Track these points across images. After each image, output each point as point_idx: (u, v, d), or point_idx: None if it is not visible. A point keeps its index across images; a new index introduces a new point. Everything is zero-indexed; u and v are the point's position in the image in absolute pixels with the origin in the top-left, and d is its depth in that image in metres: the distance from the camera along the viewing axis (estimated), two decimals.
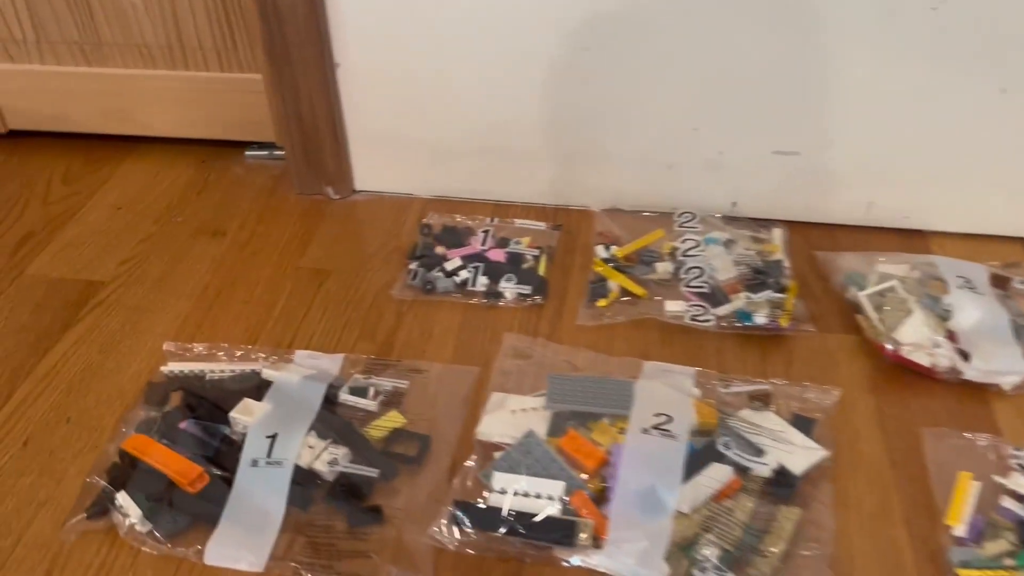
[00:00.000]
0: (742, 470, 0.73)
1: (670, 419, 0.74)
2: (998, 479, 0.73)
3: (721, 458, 0.73)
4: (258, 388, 0.81)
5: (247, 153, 1.20)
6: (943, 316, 0.86)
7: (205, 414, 0.78)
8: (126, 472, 0.74)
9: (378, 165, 1.10)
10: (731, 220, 1.04)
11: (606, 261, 0.97)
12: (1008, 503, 0.70)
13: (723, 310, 0.90)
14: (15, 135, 1.24)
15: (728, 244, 0.98)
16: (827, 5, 0.88)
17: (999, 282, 0.91)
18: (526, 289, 0.95)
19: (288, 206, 1.11)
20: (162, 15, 1.09)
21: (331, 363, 0.86)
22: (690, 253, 0.96)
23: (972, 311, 0.85)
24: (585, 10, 0.93)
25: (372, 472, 0.74)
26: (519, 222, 1.05)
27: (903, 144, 0.97)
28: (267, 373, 0.83)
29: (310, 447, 0.75)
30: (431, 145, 1.07)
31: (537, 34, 0.95)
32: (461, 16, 0.95)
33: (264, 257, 1.02)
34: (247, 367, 0.84)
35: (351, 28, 0.99)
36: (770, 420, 0.77)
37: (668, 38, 0.93)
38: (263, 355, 0.87)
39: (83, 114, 1.20)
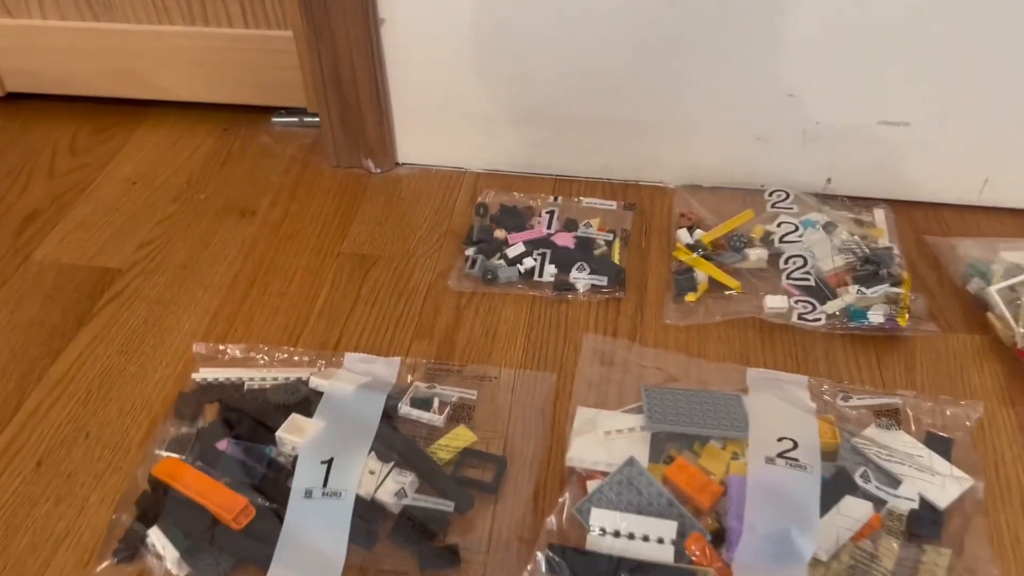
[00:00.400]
0: (878, 504, 0.62)
1: (795, 444, 0.63)
2: None
3: (854, 490, 0.62)
4: (306, 400, 0.70)
5: (274, 120, 1.08)
6: None
7: (247, 432, 0.67)
8: (158, 503, 0.63)
9: (424, 135, 0.98)
10: (826, 199, 0.92)
11: (690, 248, 0.86)
12: None
13: (833, 307, 0.78)
14: (15, 98, 1.11)
15: (828, 228, 0.86)
16: None
17: None
18: (601, 280, 0.83)
19: (323, 181, 0.99)
20: None
21: (387, 368, 0.75)
22: (788, 239, 0.84)
23: None
24: None
25: (446, 505, 0.63)
26: (586, 201, 0.94)
27: None
28: (315, 382, 0.72)
29: (371, 472, 0.65)
30: (485, 112, 0.95)
31: None
32: None
33: (301, 241, 0.91)
34: (291, 373, 0.73)
35: None
36: (903, 441, 0.67)
37: None
38: (308, 359, 0.76)
39: (90, 75, 1.07)
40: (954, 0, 0.79)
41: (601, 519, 0.60)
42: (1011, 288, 0.78)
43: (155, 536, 0.61)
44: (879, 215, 0.90)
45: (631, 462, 0.63)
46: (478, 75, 0.92)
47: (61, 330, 0.81)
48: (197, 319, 0.81)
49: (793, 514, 0.59)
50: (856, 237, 0.85)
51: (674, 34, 0.85)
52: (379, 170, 0.99)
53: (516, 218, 0.90)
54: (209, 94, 1.07)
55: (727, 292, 0.82)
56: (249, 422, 0.68)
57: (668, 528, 0.59)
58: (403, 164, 1.01)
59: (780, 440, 0.63)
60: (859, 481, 0.62)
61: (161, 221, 0.94)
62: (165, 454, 0.67)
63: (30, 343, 0.79)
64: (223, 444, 0.67)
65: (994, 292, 0.78)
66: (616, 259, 0.86)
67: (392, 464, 0.66)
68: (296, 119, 1.07)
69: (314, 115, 1.04)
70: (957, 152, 0.89)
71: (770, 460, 0.62)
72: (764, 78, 0.87)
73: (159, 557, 0.61)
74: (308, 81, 0.99)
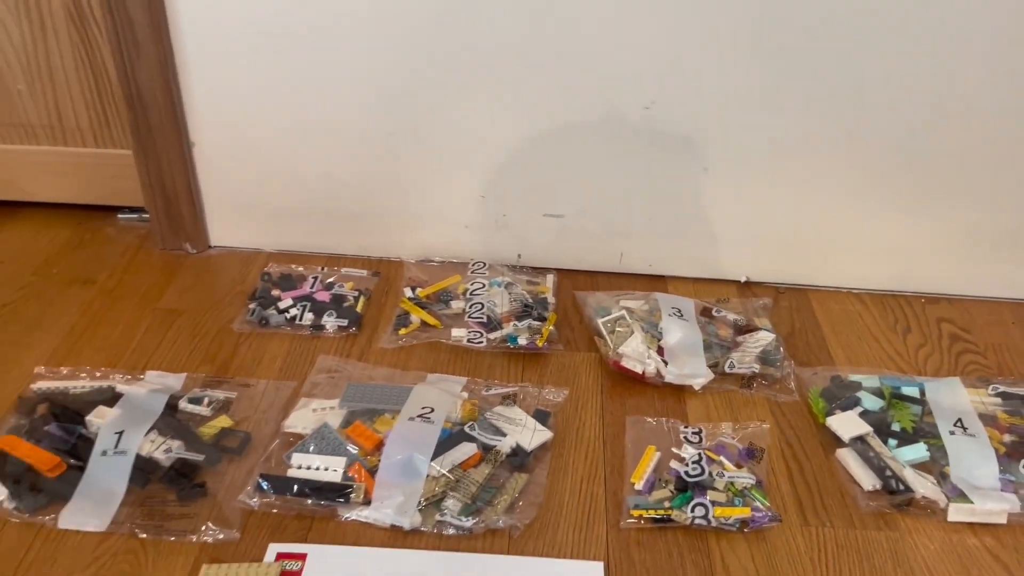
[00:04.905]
0: (488, 448, 0.97)
1: (432, 410, 0.98)
2: (674, 450, 0.99)
3: (470, 439, 0.97)
4: (112, 399, 1.01)
5: (119, 216, 1.41)
6: (657, 336, 1.13)
7: (66, 419, 0.97)
8: None
9: (230, 225, 1.33)
10: (517, 269, 1.30)
11: (411, 300, 1.22)
12: (675, 464, 0.97)
13: (495, 335, 1.15)
14: None
15: (508, 286, 1.24)
16: (571, 111, 1.17)
17: (705, 312, 1.20)
18: (344, 322, 1.18)
19: (152, 260, 1.32)
20: (45, 99, 1.30)
21: (175, 380, 1.07)
22: (476, 293, 1.22)
23: (676, 332, 1.13)
24: (388, 104, 1.19)
25: (199, 457, 0.95)
26: (345, 270, 1.29)
27: (642, 209, 1.26)
28: (120, 387, 1.03)
29: (151, 441, 0.96)
30: (274, 208, 1.30)
31: (354, 121, 1.21)
32: (295, 106, 1.20)
33: (127, 301, 1.22)
34: (104, 383, 1.04)
35: (204, 114, 1.22)
36: (515, 412, 1.02)
37: (451, 128, 1.20)
38: (119, 375, 1.07)
39: None
40: (576, 137, 1.20)
41: (298, 460, 0.93)
42: (613, 322, 1.16)
43: None
44: (549, 278, 1.28)
45: (325, 426, 0.97)
46: (268, 181, 1.28)
47: None
48: (40, 355, 1.11)
49: (417, 447, 0.93)
50: (524, 292, 1.23)
51: (400, 155, 1.24)
52: (195, 251, 1.33)
53: (290, 282, 1.25)
54: (68, 197, 1.39)
55: (430, 328, 1.18)
56: (70, 413, 0.98)
57: (339, 462, 0.92)
58: (215, 246, 1.35)
59: (423, 408, 0.98)
60: (468, 431, 0.97)
61: (21, 287, 1.24)
62: (4, 435, 0.96)
63: None
64: (50, 427, 0.96)
65: (600, 323, 1.16)
66: (359, 309, 1.21)
67: (168, 436, 0.97)
68: (136, 216, 1.41)
69: (148, 212, 1.37)
70: (599, 235, 1.29)
71: (412, 419, 0.97)
72: (464, 185, 1.26)
73: None
74: (143, 187, 1.32)
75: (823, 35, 1.09)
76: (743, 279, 1.32)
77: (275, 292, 1.23)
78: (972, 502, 0.93)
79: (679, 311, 1.17)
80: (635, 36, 1.11)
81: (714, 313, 1.20)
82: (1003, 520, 0.93)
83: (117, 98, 1.29)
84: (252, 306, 1.20)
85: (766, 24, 1.09)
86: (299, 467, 0.93)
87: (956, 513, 0.93)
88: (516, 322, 1.17)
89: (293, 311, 1.19)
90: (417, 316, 1.19)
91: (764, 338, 1.16)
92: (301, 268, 1.29)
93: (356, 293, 1.24)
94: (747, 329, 1.18)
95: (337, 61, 1.16)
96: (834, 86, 1.13)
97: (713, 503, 0.91)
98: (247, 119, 1.22)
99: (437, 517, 0.89)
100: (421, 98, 1.18)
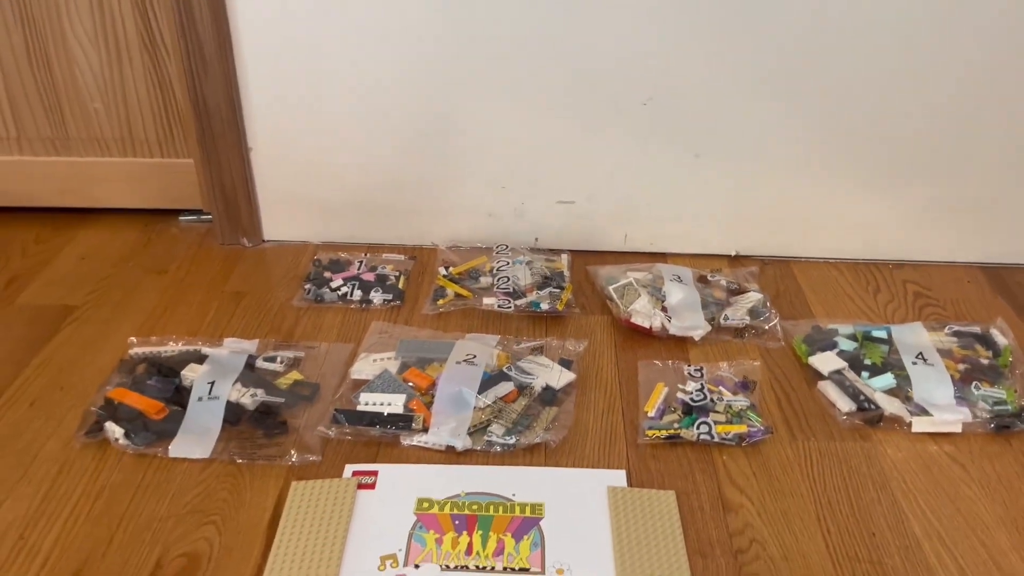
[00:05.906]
0: (523, 387, 1.14)
1: (475, 356, 1.16)
2: (679, 385, 1.17)
3: (508, 379, 1.14)
4: (200, 358, 1.18)
5: (181, 218, 1.59)
6: (661, 298, 1.32)
7: (164, 374, 1.15)
8: (111, 410, 1.09)
9: (282, 221, 1.51)
10: (535, 250, 1.49)
11: (445, 277, 1.40)
12: (681, 395, 1.14)
13: (521, 302, 1.33)
14: None
15: (529, 263, 1.42)
16: (579, 109, 1.37)
17: (701, 279, 1.39)
18: (389, 296, 1.36)
19: (214, 253, 1.50)
20: (118, 116, 1.49)
21: (250, 344, 1.24)
22: (501, 269, 1.40)
23: (678, 293, 1.31)
24: (417, 108, 1.38)
25: (280, 400, 1.12)
26: (385, 255, 1.48)
27: (642, 194, 1.45)
28: (205, 350, 1.20)
29: (237, 390, 1.13)
30: (321, 205, 1.49)
31: (390, 125, 1.40)
32: (339, 113, 1.39)
33: (197, 287, 1.40)
34: (191, 347, 1.21)
35: (260, 122, 1.41)
36: (542, 360, 1.20)
37: (473, 127, 1.40)
38: (202, 341, 1.24)
39: (49, 192, 1.57)
40: (581, 129, 1.39)
41: (366, 398, 1.10)
42: (623, 287, 1.34)
43: (109, 425, 1.07)
44: (564, 257, 1.47)
45: (385, 371, 1.14)
46: (315, 182, 1.47)
47: (39, 338, 1.26)
48: (129, 330, 1.28)
49: (465, 383, 1.11)
50: (543, 267, 1.42)
51: (429, 154, 1.43)
52: (251, 244, 1.51)
53: (339, 266, 1.43)
54: (135, 202, 1.58)
55: (463, 299, 1.36)
56: (166, 369, 1.16)
57: (399, 398, 1.10)
58: (268, 240, 1.53)
59: (467, 355, 1.16)
60: (506, 371, 1.14)
61: (103, 278, 1.42)
62: (114, 388, 1.13)
63: (18, 347, 1.24)
64: (152, 380, 1.14)
65: (612, 289, 1.34)
66: (401, 286, 1.39)
67: (251, 386, 1.14)
68: (195, 217, 1.59)
69: (208, 214, 1.55)
70: (605, 219, 1.48)
71: (459, 362, 1.14)
72: (486, 178, 1.45)
73: (112, 435, 1.06)
74: (203, 190, 1.51)
75: (801, 41, 1.29)
76: (733, 253, 1.50)
77: (326, 274, 1.41)
78: (932, 415, 1.11)
79: (679, 277, 1.36)
80: (633, 43, 1.31)
81: (709, 279, 1.39)
82: (958, 429, 1.11)
83: (182, 113, 1.48)
84: (307, 286, 1.38)
85: (749, 28, 1.29)
86: (367, 404, 1.10)
87: (919, 425, 1.11)
88: (538, 291, 1.35)
89: (344, 289, 1.37)
90: (452, 289, 1.37)
91: (753, 297, 1.34)
92: (346, 255, 1.48)
93: (397, 273, 1.42)
94: (738, 291, 1.37)
95: (374, 73, 1.35)
96: (811, 85, 1.33)
97: (715, 422, 1.09)
98: (297, 126, 1.41)
99: (485, 439, 1.06)
100: (447, 103, 1.38)
